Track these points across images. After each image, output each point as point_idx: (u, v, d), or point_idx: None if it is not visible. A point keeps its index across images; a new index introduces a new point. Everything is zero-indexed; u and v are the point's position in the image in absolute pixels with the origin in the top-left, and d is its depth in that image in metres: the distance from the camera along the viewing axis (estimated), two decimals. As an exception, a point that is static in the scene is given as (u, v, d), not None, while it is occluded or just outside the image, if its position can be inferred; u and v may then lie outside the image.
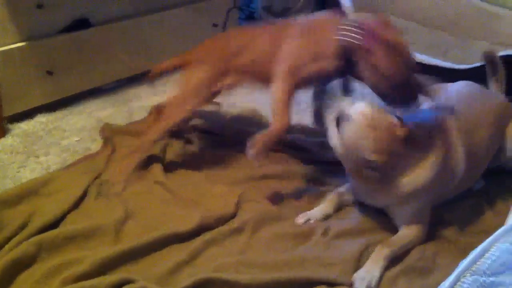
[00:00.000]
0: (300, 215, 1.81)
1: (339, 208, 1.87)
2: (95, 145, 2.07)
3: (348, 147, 1.65)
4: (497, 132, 1.91)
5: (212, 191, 1.88)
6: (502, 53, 2.62)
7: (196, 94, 1.91)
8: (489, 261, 1.21)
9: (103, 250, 1.54)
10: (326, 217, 1.82)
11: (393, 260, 1.64)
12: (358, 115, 1.63)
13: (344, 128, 1.65)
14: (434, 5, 3.32)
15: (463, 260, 1.25)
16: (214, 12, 2.83)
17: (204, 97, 1.92)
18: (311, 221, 1.79)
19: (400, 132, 1.61)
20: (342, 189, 1.89)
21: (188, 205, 1.79)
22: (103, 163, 1.93)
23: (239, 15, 3.03)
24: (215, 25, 2.85)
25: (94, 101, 2.37)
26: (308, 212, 1.82)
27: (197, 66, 1.93)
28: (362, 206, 1.84)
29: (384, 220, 1.79)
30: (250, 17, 3.35)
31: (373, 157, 1.59)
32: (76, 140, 2.09)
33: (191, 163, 2.02)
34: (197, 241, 1.64)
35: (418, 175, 1.68)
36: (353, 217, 1.82)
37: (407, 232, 1.71)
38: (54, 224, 1.64)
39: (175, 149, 2.09)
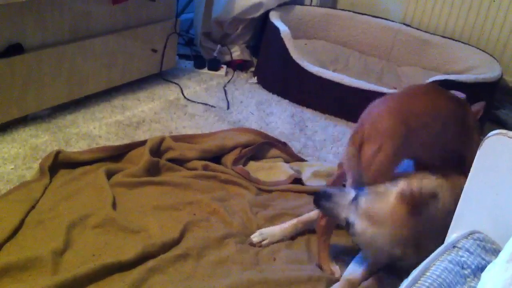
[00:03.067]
0: (256, 233, 1.80)
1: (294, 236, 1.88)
2: (31, 173, 2.00)
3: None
4: None
5: (157, 218, 1.84)
6: (438, 77, 2.74)
7: None
8: (429, 280, 1.24)
9: (40, 282, 1.48)
10: (281, 240, 1.81)
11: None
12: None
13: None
14: (367, 32, 3.45)
15: (405, 280, 1.27)
16: (153, 37, 2.82)
17: None
18: (265, 242, 1.79)
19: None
20: (306, 217, 1.88)
21: (131, 233, 1.75)
22: (40, 191, 1.86)
23: (178, 41, 3.02)
24: (154, 51, 2.84)
25: (28, 128, 2.29)
26: (263, 230, 1.82)
27: None
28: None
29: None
30: (189, 42, 3.36)
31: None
32: (11, 168, 2.01)
33: (140, 189, 2.00)
34: (140, 270, 1.59)
35: None
36: (301, 250, 1.83)
37: None
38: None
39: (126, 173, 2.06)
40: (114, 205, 1.87)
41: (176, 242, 1.74)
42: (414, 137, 1.67)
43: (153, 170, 2.10)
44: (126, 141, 2.29)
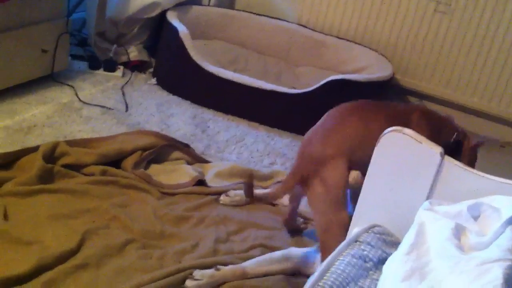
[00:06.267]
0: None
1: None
2: None
3: None
4: None
5: (52, 228, 1.74)
6: (334, 77, 2.82)
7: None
8: (334, 275, 1.26)
9: None
10: None
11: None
12: None
13: None
14: (265, 33, 3.48)
15: (311, 277, 1.29)
16: (43, 37, 2.66)
17: None
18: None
19: None
20: None
21: (25, 245, 1.64)
22: None
23: (70, 41, 2.88)
24: (44, 51, 2.68)
25: None
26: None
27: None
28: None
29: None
30: (83, 43, 3.22)
31: None
32: None
33: (33, 198, 1.87)
34: (35, 283, 1.50)
35: None
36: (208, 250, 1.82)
37: None
38: None
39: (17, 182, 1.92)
40: (5, 216, 1.74)
41: (73, 252, 1.66)
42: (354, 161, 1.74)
43: (46, 177, 1.98)
44: (16, 147, 2.14)
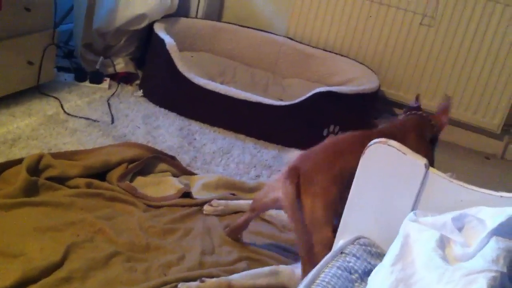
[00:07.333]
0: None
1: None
2: None
3: None
4: None
5: (37, 240, 1.72)
6: (321, 89, 2.83)
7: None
8: (319, 287, 1.26)
9: None
10: None
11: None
12: None
13: None
14: (253, 45, 3.50)
15: (296, 289, 1.28)
16: (29, 49, 2.65)
17: None
18: None
19: None
20: None
21: (9, 257, 1.63)
22: None
23: (56, 53, 2.87)
24: (30, 63, 2.67)
25: None
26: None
27: None
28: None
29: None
30: (69, 54, 3.21)
31: None
32: None
33: (17, 210, 1.86)
34: (19, 297, 1.48)
35: None
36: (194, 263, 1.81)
37: None
38: None
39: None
40: (-12, 229, 1.73)
41: (58, 265, 1.64)
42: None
43: (31, 190, 1.96)
44: (0, 160, 2.12)
